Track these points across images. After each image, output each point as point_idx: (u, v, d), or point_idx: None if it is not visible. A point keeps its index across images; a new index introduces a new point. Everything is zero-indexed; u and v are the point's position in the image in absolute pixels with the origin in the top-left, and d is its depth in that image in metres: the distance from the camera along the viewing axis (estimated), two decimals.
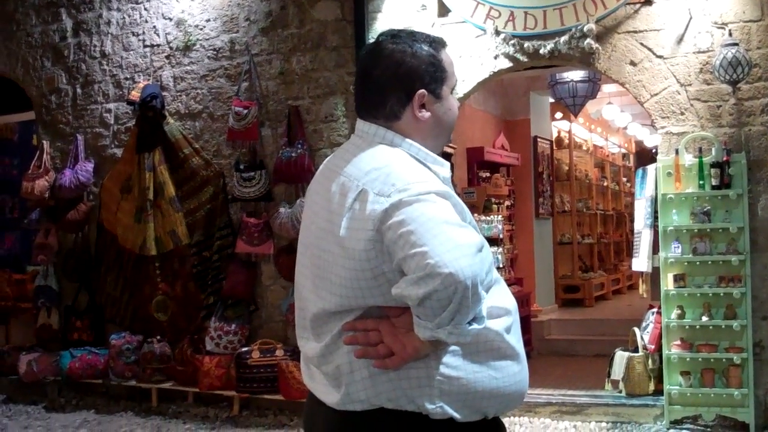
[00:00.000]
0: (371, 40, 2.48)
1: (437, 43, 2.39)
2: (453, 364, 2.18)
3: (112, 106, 8.80)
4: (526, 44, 6.92)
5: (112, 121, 8.80)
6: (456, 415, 2.18)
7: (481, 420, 2.24)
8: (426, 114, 2.32)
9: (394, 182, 2.15)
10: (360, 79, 2.36)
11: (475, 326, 2.11)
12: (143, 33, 8.63)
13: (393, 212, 2.10)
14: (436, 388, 2.17)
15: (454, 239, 2.05)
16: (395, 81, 2.29)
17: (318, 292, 2.27)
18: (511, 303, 2.32)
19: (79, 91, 8.98)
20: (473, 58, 7.18)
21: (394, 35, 2.35)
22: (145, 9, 8.61)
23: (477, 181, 10.38)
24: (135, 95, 8.25)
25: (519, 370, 2.30)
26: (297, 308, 2.42)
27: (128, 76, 8.70)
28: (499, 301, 2.27)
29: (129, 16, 8.71)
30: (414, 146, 2.30)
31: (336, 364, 2.23)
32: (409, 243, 2.06)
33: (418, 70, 2.30)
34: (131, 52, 8.69)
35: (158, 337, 8.06)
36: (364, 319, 2.20)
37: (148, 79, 8.51)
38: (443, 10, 7.28)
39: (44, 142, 9.02)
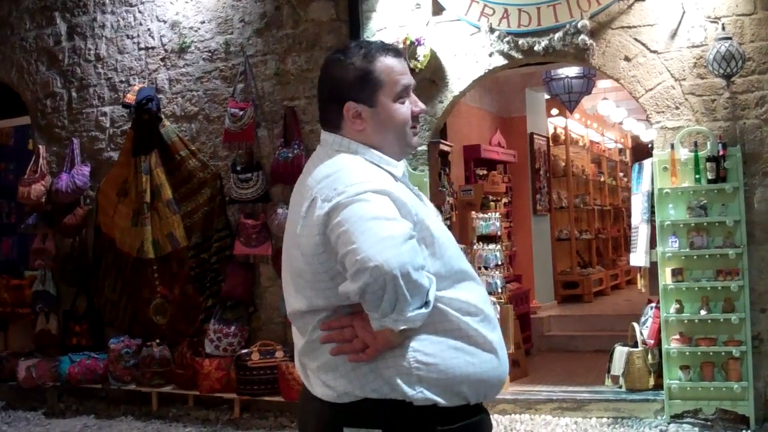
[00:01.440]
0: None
1: (375, 53, 2.46)
2: (428, 351, 2.29)
3: (107, 109, 8.79)
4: (521, 41, 6.92)
5: (107, 125, 8.80)
6: (438, 400, 2.28)
7: (464, 405, 2.33)
8: (362, 124, 2.45)
9: (336, 186, 2.30)
10: (319, 92, 2.53)
11: (419, 311, 2.20)
12: (138, 36, 8.62)
13: (333, 215, 2.26)
14: (414, 374, 2.27)
15: (378, 233, 2.16)
16: (328, 93, 2.48)
17: (292, 292, 2.44)
18: (476, 299, 2.40)
19: (74, 94, 8.98)
20: (468, 55, 7.19)
21: (342, 49, 2.49)
22: (140, 12, 8.61)
23: (474, 179, 10.38)
24: (130, 98, 8.25)
25: (498, 363, 2.40)
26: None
27: (123, 79, 8.69)
28: (463, 296, 2.36)
29: (123, 19, 8.70)
30: (369, 151, 2.45)
31: (321, 359, 2.36)
32: (343, 242, 2.20)
33: (343, 83, 2.44)
34: (126, 55, 8.69)
35: (157, 341, 8.05)
36: (338, 316, 2.33)
37: (144, 82, 8.50)
38: (437, 9, 7.27)
39: (40, 146, 9.01)
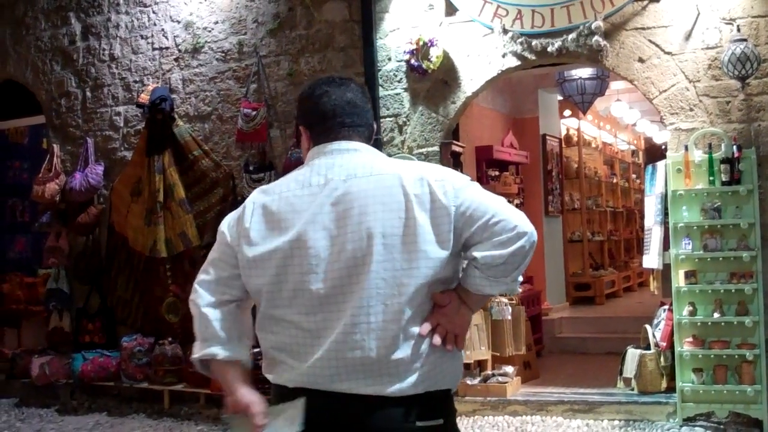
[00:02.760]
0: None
1: None
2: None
3: (121, 109, 8.83)
4: (534, 42, 6.91)
5: (121, 124, 8.83)
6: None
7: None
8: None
9: (448, 177, 2.55)
10: (352, 106, 2.70)
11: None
12: (152, 36, 8.65)
13: (462, 195, 2.48)
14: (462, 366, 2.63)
15: (511, 207, 2.51)
16: (372, 112, 2.81)
17: (383, 289, 2.44)
18: None
19: (88, 94, 9.02)
20: (481, 56, 7.18)
21: (349, 78, 2.85)
22: (154, 12, 8.63)
23: (486, 180, 10.35)
24: (144, 98, 8.27)
25: None
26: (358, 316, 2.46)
27: (137, 79, 8.72)
28: None
29: (137, 19, 8.73)
30: None
31: (405, 352, 2.42)
32: (482, 212, 2.43)
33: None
34: (140, 55, 8.72)
35: (170, 339, 8.07)
36: (428, 317, 2.46)
37: (157, 82, 8.53)
38: (450, 10, 7.27)
39: (54, 145, 9.05)
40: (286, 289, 2.49)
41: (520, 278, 2.52)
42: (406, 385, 2.40)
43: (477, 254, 2.41)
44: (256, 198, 2.64)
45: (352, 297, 2.41)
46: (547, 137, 11.96)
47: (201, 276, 2.68)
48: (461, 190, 2.45)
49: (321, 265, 2.45)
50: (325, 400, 2.43)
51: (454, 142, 7.63)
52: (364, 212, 2.43)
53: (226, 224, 2.70)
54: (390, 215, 2.42)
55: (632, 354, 7.13)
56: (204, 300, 2.65)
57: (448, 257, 2.43)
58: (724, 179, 6.37)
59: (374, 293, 2.39)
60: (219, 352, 2.61)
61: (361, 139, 2.65)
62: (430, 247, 2.41)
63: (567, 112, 12.87)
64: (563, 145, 12.83)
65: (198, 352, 2.65)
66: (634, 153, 17.55)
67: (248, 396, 2.59)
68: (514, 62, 7.08)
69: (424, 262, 2.40)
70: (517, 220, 2.43)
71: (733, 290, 6.35)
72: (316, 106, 2.67)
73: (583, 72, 10.07)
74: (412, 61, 7.25)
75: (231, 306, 2.64)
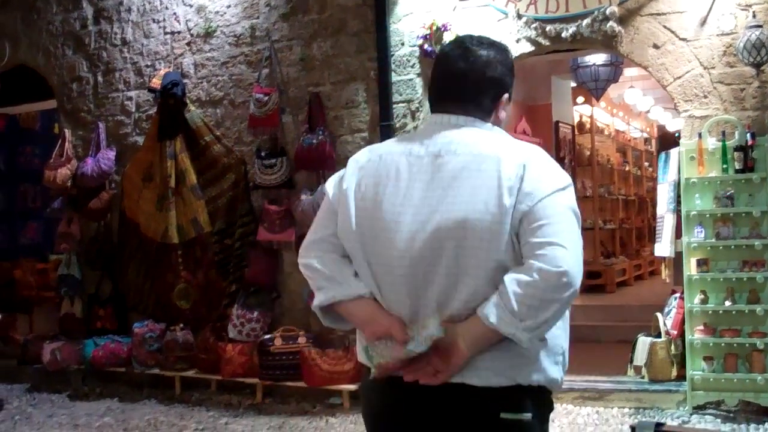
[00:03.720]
0: (459, 39, 2.67)
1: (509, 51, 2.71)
2: (562, 337, 2.49)
3: (133, 93, 8.82)
4: (548, 27, 6.88)
5: (133, 109, 8.83)
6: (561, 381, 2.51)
7: None
8: (502, 113, 2.61)
9: (552, 171, 2.46)
10: (454, 77, 2.55)
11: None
12: (164, 20, 8.63)
13: (550, 199, 2.37)
14: (560, 363, 2.48)
15: (579, 244, 2.34)
16: (492, 81, 2.57)
17: (471, 269, 2.36)
18: None
19: (100, 79, 9.01)
20: None
21: (486, 38, 2.65)
22: None
23: None
24: (156, 83, 8.27)
25: None
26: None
27: (149, 64, 8.71)
28: None
29: (149, 2, 8.71)
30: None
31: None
32: (552, 233, 2.30)
33: (507, 73, 2.61)
34: (152, 39, 8.70)
35: (181, 325, 8.08)
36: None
37: (169, 67, 8.52)
38: None
39: (66, 130, 9.06)
40: (370, 252, 2.47)
41: (534, 333, 2.29)
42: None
43: (507, 277, 2.27)
44: (359, 157, 2.60)
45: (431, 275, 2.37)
46: (560, 124, 11.93)
47: (307, 237, 2.64)
48: (549, 196, 2.33)
49: (403, 242, 2.40)
50: None
51: None
52: (452, 193, 2.36)
53: (332, 183, 2.62)
54: (477, 201, 2.33)
55: (643, 342, 7.12)
56: (309, 256, 2.60)
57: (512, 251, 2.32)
58: (737, 167, 6.33)
59: (449, 280, 2.35)
60: (337, 293, 2.50)
61: (470, 113, 2.53)
62: (505, 237, 2.30)
63: (580, 99, 12.83)
64: (576, 132, 12.81)
65: (317, 300, 2.57)
66: (647, 141, 17.48)
67: (385, 319, 2.43)
68: (528, 48, 7.04)
69: (495, 252, 2.30)
70: (574, 265, 2.24)
71: (744, 278, 6.32)
72: (437, 68, 2.59)
73: (597, 58, 10.02)
74: (426, 46, 7.22)
75: (336, 255, 2.56)
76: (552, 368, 2.41)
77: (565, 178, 2.41)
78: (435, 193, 2.39)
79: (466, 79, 2.52)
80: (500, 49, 2.62)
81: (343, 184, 2.54)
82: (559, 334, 2.43)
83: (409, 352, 2.35)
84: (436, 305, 2.36)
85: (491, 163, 2.35)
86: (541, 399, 2.43)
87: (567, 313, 2.42)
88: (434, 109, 2.59)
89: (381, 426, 2.57)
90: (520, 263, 2.29)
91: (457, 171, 2.39)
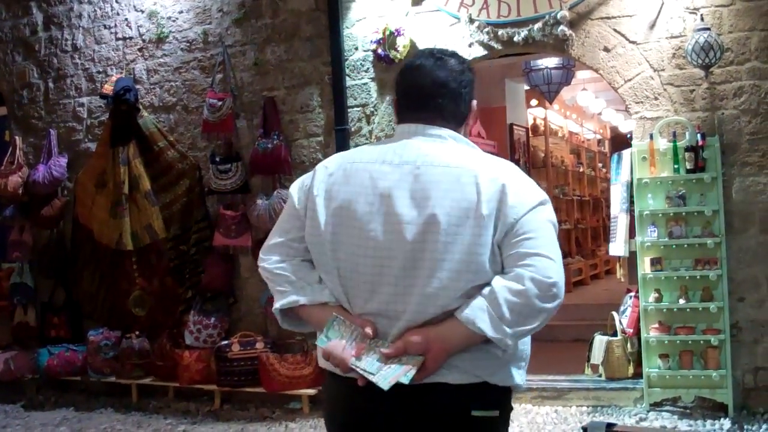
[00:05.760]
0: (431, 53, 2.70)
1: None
2: (527, 343, 2.58)
3: (84, 100, 8.73)
4: (500, 32, 6.92)
5: (85, 115, 8.73)
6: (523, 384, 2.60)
7: None
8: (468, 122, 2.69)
9: (530, 186, 2.53)
10: (441, 87, 2.58)
11: None
12: (115, 26, 8.56)
13: (533, 212, 2.45)
14: (523, 368, 2.57)
15: (559, 256, 2.45)
16: (467, 89, 2.63)
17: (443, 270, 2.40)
18: None
19: (51, 85, 8.91)
20: (448, 46, 7.16)
21: (452, 51, 2.71)
22: (117, 1, 8.53)
23: None
24: (108, 89, 8.19)
25: None
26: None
27: (101, 70, 8.63)
28: None
29: (100, 8, 8.63)
30: None
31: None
32: (538, 245, 2.39)
33: (473, 82, 2.65)
34: (103, 45, 8.62)
35: (137, 333, 8.02)
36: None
37: (121, 72, 8.44)
38: None
39: (16, 137, 8.93)
40: (339, 266, 2.47)
41: (519, 339, 2.40)
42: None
43: (496, 283, 2.33)
44: (329, 164, 2.59)
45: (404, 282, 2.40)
46: (514, 127, 12.01)
47: (267, 242, 2.63)
48: (531, 210, 2.38)
49: (378, 249, 2.42)
50: None
51: None
52: (432, 203, 2.38)
53: (296, 188, 2.62)
54: (456, 211, 2.36)
55: (599, 341, 7.19)
56: (272, 260, 2.59)
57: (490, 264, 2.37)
58: (688, 167, 6.41)
59: (428, 286, 2.37)
60: (301, 297, 2.52)
61: (446, 123, 2.57)
62: (484, 250, 2.35)
63: (534, 102, 12.94)
64: (530, 135, 12.91)
65: (278, 302, 2.57)
66: (600, 142, 17.68)
67: (357, 318, 2.46)
68: (480, 52, 7.09)
69: (475, 264, 2.35)
70: (561, 277, 2.34)
71: (698, 276, 6.41)
72: (405, 80, 2.62)
73: (550, 62, 10.12)
74: (379, 51, 7.23)
75: (298, 260, 2.57)
76: (517, 373, 2.48)
77: (543, 193, 2.48)
78: (413, 202, 2.41)
79: (443, 88, 2.56)
80: (463, 59, 2.68)
81: (313, 191, 2.53)
82: (527, 341, 2.52)
83: (356, 366, 2.37)
84: (414, 308, 2.38)
85: (469, 177, 2.39)
86: (506, 399, 2.51)
87: None
88: (406, 118, 2.61)
89: (350, 428, 2.56)
90: (498, 272, 2.36)
91: (436, 182, 2.41)
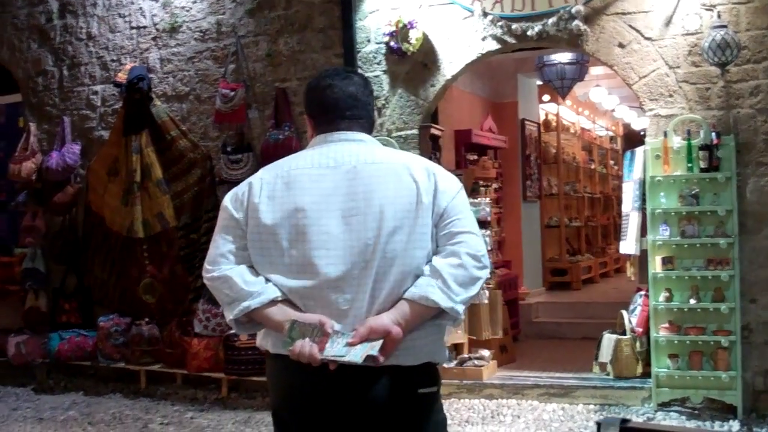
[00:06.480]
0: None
1: None
2: None
3: (98, 88, 8.75)
4: (514, 26, 6.90)
5: (98, 103, 8.75)
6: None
7: None
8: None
9: (449, 176, 2.83)
10: (353, 99, 2.86)
11: None
12: (129, 15, 8.57)
13: (456, 199, 2.78)
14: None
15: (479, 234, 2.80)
16: (373, 102, 2.99)
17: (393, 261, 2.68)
18: None
19: (65, 73, 8.93)
20: (460, 39, 7.16)
21: (352, 71, 3.04)
22: None
23: (465, 164, 10.35)
24: (122, 77, 8.21)
25: None
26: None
27: (115, 58, 8.65)
28: None
29: None
30: None
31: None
32: (463, 226, 2.73)
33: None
34: (117, 34, 8.63)
35: (146, 320, 8.06)
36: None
37: (135, 61, 8.45)
38: None
39: (31, 124, 8.96)
40: (293, 262, 2.65)
41: (465, 307, 2.67)
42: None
43: (437, 262, 2.62)
44: (264, 174, 2.81)
45: (363, 275, 2.61)
46: (526, 122, 11.98)
47: (211, 253, 2.80)
48: (456, 195, 2.72)
49: (331, 242, 2.62)
50: None
51: (433, 125, 7.61)
52: (376, 195, 2.64)
53: (230, 200, 2.81)
54: (401, 199, 2.63)
55: (608, 339, 7.17)
56: (217, 268, 2.76)
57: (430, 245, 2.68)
58: (702, 166, 6.38)
59: (381, 271, 2.60)
60: (252, 302, 2.67)
61: (361, 130, 2.83)
62: (427, 230, 2.66)
63: (546, 97, 12.89)
64: (542, 130, 12.86)
65: (231, 314, 2.72)
66: (612, 139, 17.61)
67: (313, 316, 2.61)
68: (493, 46, 7.07)
69: (422, 246, 2.65)
70: (485, 249, 2.70)
71: (709, 277, 6.38)
72: (320, 97, 2.86)
73: (563, 57, 10.07)
74: (392, 43, 7.22)
75: (244, 267, 2.74)
76: (444, 348, 2.82)
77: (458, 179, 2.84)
78: (358, 197, 2.65)
79: (356, 100, 2.84)
80: (362, 74, 3.13)
81: (252, 199, 2.72)
82: None
83: (325, 356, 2.50)
84: (367, 298, 2.59)
85: (404, 170, 2.69)
86: (438, 374, 2.78)
87: None
88: (329, 128, 2.83)
89: (300, 413, 2.70)
90: (433, 250, 2.67)
91: (375, 177, 2.67)
